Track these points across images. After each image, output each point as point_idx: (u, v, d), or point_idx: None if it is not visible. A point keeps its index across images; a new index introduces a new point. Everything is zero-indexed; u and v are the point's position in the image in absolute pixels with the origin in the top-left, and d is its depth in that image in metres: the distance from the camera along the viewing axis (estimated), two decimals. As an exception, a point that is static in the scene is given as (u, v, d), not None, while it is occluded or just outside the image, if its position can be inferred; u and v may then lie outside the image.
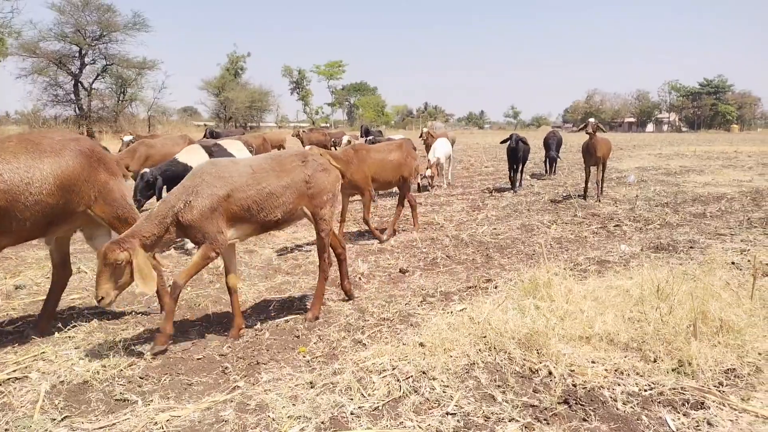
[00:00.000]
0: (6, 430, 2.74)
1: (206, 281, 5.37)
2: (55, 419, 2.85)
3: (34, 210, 3.46)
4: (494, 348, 3.57)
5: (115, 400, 3.09)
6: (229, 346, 3.85)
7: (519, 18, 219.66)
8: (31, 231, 3.56)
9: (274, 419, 2.85)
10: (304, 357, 3.67)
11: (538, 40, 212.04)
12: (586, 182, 10.32)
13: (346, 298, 4.80)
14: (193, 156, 7.01)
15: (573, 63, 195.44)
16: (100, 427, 2.80)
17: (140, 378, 3.34)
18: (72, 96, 35.63)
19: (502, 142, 11.67)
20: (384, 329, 4.11)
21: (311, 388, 3.19)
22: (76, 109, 35.31)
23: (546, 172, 14.83)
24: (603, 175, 10.36)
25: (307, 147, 7.02)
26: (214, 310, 4.60)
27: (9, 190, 3.36)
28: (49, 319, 4.03)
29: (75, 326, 4.16)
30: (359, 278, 5.44)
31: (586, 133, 9.51)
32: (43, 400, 3.01)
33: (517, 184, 11.72)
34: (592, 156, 9.69)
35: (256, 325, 4.25)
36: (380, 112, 75.55)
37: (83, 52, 35.21)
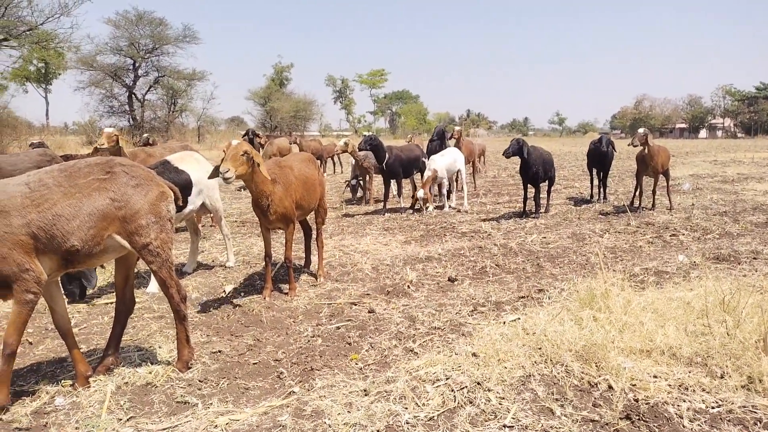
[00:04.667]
0: (76, 428, 2.86)
1: (258, 287, 5.47)
2: (121, 419, 2.95)
3: None
4: (551, 360, 3.50)
5: (177, 402, 3.17)
6: (284, 352, 3.90)
7: (565, 22, 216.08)
8: None
9: (330, 426, 2.87)
10: (356, 364, 3.69)
11: (585, 44, 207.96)
12: (635, 191, 10.00)
13: (396, 306, 4.81)
14: (188, 161, 6.60)
15: (621, 67, 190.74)
16: (163, 429, 2.88)
17: (199, 381, 3.42)
18: (126, 107, 37.08)
19: (594, 144, 10.53)
20: (435, 338, 4.09)
21: (365, 395, 3.19)
22: (130, 119, 36.72)
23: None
24: (668, 184, 9.92)
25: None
26: (268, 315, 4.68)
27: None
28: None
29: (136, 329, 4.31)
30: (408, 286, 5.43)
31: (634, 146, 9.13)
32: (110, 401, 3.13)
33: (602, 195, 10.84)
34: (647, 166, 9.34)
35: (308, 331, 4.30)
36: (422, 120, 75.53)
37: (137, 64, 36.65)
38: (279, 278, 5.77)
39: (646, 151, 9.12)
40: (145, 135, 15.65)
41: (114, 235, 3.16)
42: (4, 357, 2.97)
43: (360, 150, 10.05)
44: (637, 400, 3.03)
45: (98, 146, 7.30)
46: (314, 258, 6.15)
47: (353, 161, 11.46)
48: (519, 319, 4.26)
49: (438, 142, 11.06)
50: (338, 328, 4.37)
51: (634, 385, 3.18)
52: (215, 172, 4.46)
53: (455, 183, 10.92)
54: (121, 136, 7.23)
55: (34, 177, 3.06)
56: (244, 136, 15.14)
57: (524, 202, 9.40)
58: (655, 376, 3.26)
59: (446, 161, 9.87)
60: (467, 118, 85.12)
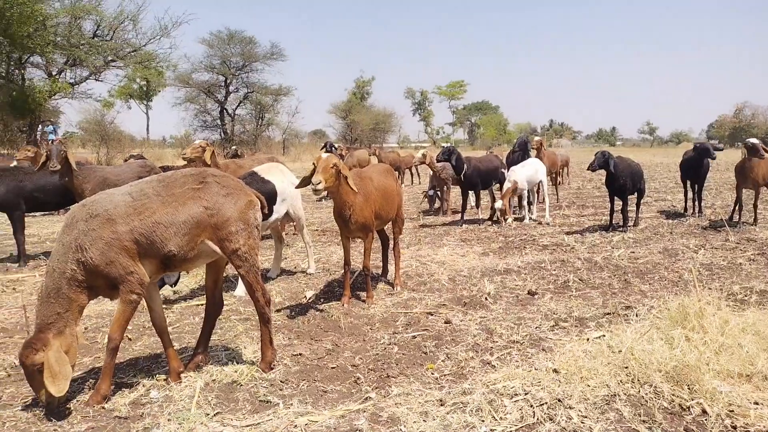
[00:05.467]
0: (169, 420, 3.05)
1: (337, 294, 5.60)
2: (208, 414, 3.12)
3: None
4: (638, 380, 3.32)
5: (260, 401, 3.31)
6: (361, 358, 3.97)
7: (655, 24, 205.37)
8: None
9: (405, 433, 2.89)
10: (432, 374, 3.68)
11: (679, 48, 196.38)
12: (735, 204, 9.29)
13: (473, 318, 4.76)
14: (273, 172, 6.87)
15: (718, 73, 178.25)
16: (247, 426, 3.01)
17: (281, 382, 3.55)
18: (218, 121, 39.31)
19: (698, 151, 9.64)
20: (513, 352, 4.00)
21: (441, 405, 3.18)
22: (221, 133, 38.85)
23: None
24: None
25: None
26: (346, 322, 4.77)
27: None
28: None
29: (223, 329, 4.54)
30: (485, 298, 5.35)
31: (760, 157, 8.29)
32: (199, 396, 3.31)
33: (696, 209, 10.19)
34: (746, 178, 8.64)
35: (384, 339, 4.34)
36: (502, 131, 74.33)
37: (228, 81, 38.78)
38: (357, 286, 5.87)
39: (751, 161, 8.42)
40: (233, 147, 16.50)
41: (206, 241, 3.37)
42: (109, 350, 3.24)
43: (438, 161, 10.05)
44: (734, 427, 2.82)
45: (182, 156, 7.76)
46: (391, 267, 6.21)
47: (431, 172, 11.49)
48: (604, 336, 4.08)
49: (520, 153, 10.84)
50: (414, 337, 4.38)
51: (732, 411, 2.95)
52: (304, 182, 4.66)
53: (536, 195, 10.65)
54: (211, 148, 7.65)
55: (136, 187, 3.33)
56: (322, 148, 15.58)
57: (611, 215, 9.00)
58: (756, 403, 3.02)
59: (527, 172, 9.65)
60: (549, 128, 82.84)
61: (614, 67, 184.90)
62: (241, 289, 5.57)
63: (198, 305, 5.33)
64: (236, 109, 40.22)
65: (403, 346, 4.20)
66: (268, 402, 3.29)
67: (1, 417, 3.13)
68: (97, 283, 3.18)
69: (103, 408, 3.20)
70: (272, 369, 3.71)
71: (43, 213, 11.16)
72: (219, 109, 39.31)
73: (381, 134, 58.41)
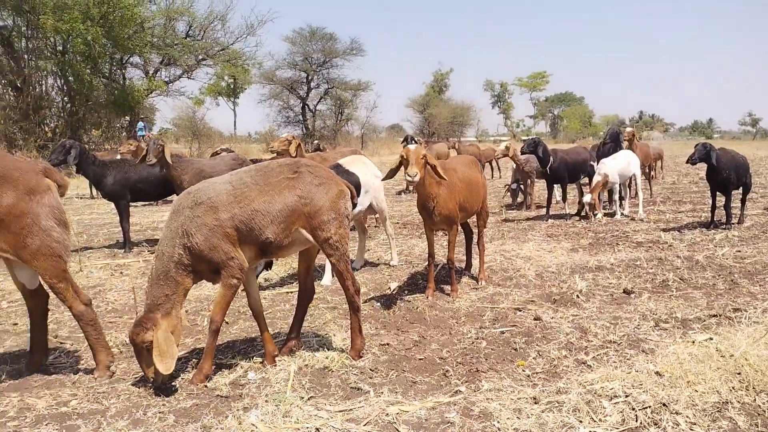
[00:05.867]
0: (266, 401, 3.16)
1: (421, 286, 5.59)
2: (303, 398, 3.20)
3: None
4: (753, 388, 3.07)
5: (350, 387, 3.36)
6: (448, 351, 3.93)
7: (755, 3, 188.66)
8: None
9: (499, 429, 2.83)
10: (523, 371, 3.58)
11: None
12: None
13: (564, 315, 4.59)
14: (357, 164, 6.92)
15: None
16: (340, 411, 3.06)
17: (371, 370, 3.59)
18: (300, 117, 40.44)
19: None
20: (611, 352, 3.82)
21: (535, 403, 3.09)
22: (303, 128, 39.96)
23: None
24: None
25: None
26: (431, 314, 4.75)
27: None
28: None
29: (313, 317, 4.66)
30: (576, 296, 5.14)
31: None
32: (293, 379, 3.41)
33: None
34: None
35: (471, 333, 4.28)
36: (587, 123, 71.30)
37: (309, 77, 39.78)
38: (440, 279, 5.83)
39: None
40: (315, 141, 16.89)
41: (300, 229, 3.45)
42: (211, 332, 3.41)
43: (522, 153, 9.78)
44: None
45: (269, 149, 8.03)
46: (475, 261, 6.12)
47: (514, 165, 11.20)
48: (712, 339, 3.80)
49: (611, 145, 10.30)
50: (502, 332, 4.29)
51: None
52: (390, 174, 4.74)
53: (628, 189, 10.10)
54: (297, 141, 7.87)
55: (236, 176, 3.47)
56: (403, 141, 15.61)
57: (712, 212, 8.37)
58: None
59: (619, 165, 9.17)
60: (639, 120, 78.48)
61: (710, 54, 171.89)
62: (327, 278, 5.70)
63: (288, 292, 5.50)
64: (317, 104, 41.20)
65: (491, 341, 4.12)
66: (359, 389, 3.33)
67: (116, 390, 3.37)
68: (200, 267, 3.35)
69: (206, 386, 3.37)
70: (361, 357, 3.76)
71: (143, 203, 11.95)
72: (301, 105, 40.43)
73: (459, 128, 57.75)
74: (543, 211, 9.96)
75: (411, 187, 14.62)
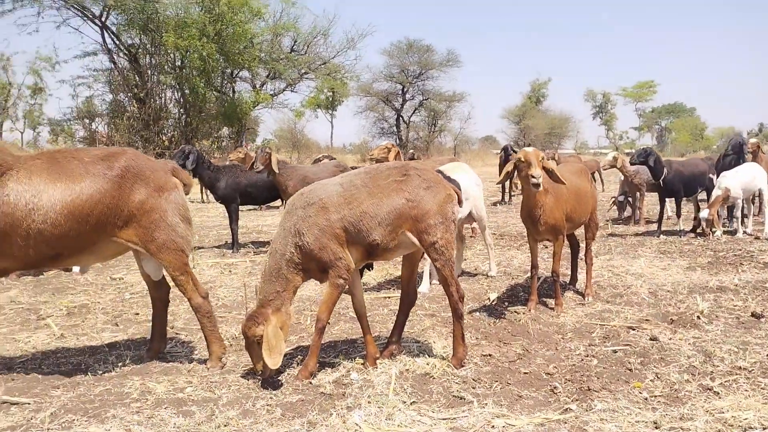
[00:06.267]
0: (369, 402, 3.16)
1: (522, 298, 5.39)
2: (405, 402, 3.17)
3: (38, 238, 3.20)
4: None
5: (453, 396, 3.28)
6: (555, 367, 3.74)
7: None
8: (36, 259, 3.33)
9: (616, 452, 2.63)
10: (640, 393, 3.33)
11: None
12: None
13: (684, 337, 4.23)
14: (458, 171, 6.74)
15: None
16: (443, 419, 3.00)
17: (473, 380, 3.49)
18: (394, 128, 41.05)
19: None
20: (741, 379, 3.45)
21: (656, 428, 2.85)
22: (397, 139, 40.49)
23: None
24: None
25: None
26: (534, 328, 4.56)
27: (11, 213, 3.12)
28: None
29: (411, 323, 4.63)
30: (697, 317, 4.72)
31: None
32: (395, 383, 3.39)
33: None
34: None
35: (579, 350, 4.05)
36: (698, 136, 66.25)
37: (405, 89, 40.33)
38: (542, 292, 5.60)
39: None
40: (411, 151, 16.99)
41: (406, 232, 3.44)
42: (317, 330, 3.48)
43: (632, 164, 9.22)
44: None
45: (369, 157, 8.16)
46: (581, 275, 5.82)
47: (621, 177, 10.60)
48: None
49: (733, 157, 9.42)
50: (615, 351, 4.02)
51: None
52: (506, 177, 4.71)
53: (752, 205, 9.21)
54: (396, 149, 7.94)
55: (346, 178, 3.53)
56: (501, 151, 15.30)
57: None
58: None
59: (743, 179, 8.36)
60: (759, 132, 71.76)
61: None
62: (425, 286, 5.66)
63: (386, 297, 5.53)
64: (411, 116, 41.62)
65: (602, 359, 3.87)
66: (461, 398, 3.25)
67: (227, 381, 3.53)
68: (310, 266, 3.44)
69: (310, 383, 3.43)
70: (463, 366, 3.67)
71: (248, 208, 12.62)
72: (395, 116, 41.04)
73: (557, 139, 55.88)
74: (653, 227, 9.31)
75: (506, 199, 14.42)
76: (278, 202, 9.61)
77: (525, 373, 3.66)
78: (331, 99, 52.94)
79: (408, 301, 3.86)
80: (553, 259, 5.04)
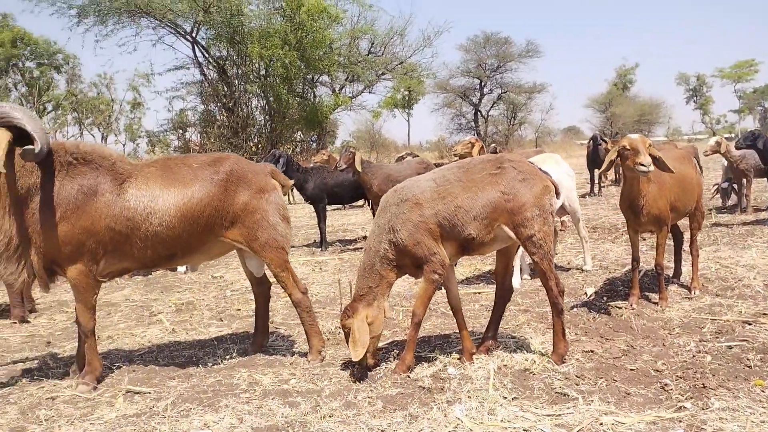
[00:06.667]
0: (469, 397, 3.15)
1: (621, 292, 5.15)
2: (506, 397, 3.12)
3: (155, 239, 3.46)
4: None
5: (555, 392, 3.19)
6: (664, 363, 3.55)
7: None
8: (152, 259, 3.58)
9: (742, 454, 2.45)
10: (762, 391, 3.08)
11: None
12: None
13: None
14: (548, 162, 6.47)
15: None
16: (547, 415, 2.93)
17: (576, 377, 3.38)
18: (472, 123, 40.51)
19: None
20: None
21: (786, 430, 2.63)
22: (475, 135, 39.95)
23: None
24: None
25: None
26: (638, 323, 4.35)
27: (132, 217, 3.38)
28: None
29: (505, 319, 4.55)
30: (819, 313, 4.29)
31: None
32: (494, 378, 3.36)
33: None
34: None
35: (690, 346, 3.81)
36: (811, 116, 60.15)
37: (483, 83, 39.67)
38: (643, 286, 5.31)
39: None
40: (492, 145, 16.71)
41: (502, 226, 3.40)
42: (413, 325, 3.51)
43: (737, 148, 8.55)
44: None
45: (453, 153, 8.09)
46: (685, 268, 5.48)
47: (725, 163, 9.85)
48: None
49: None
50: (730, 347, 3.74)
51: None
52: (609, 165, 4.53)
53: None
54: (480, 144, 7.83)
55: (439, 174, 3.54)
56: (589, 141, 14.68)
57: None
58: None
59: None
60: None
61: None
62: (516, 281, 5.54)
63: (475, 293, 5.48)
64: (489, 110, 40.88)
65: (717, 356, 3.62)
66: (565, 395, 3.16)
67: (328, 373, 3.64)
68: (404, 262, 3.47)
69: (408, 377, 3.47)
70: (564, 362, 3.57)
71: (333, 207, 12.94)
72: (473, 111, 40.48)
73: (647, 126, 52.83)
74: (763, 215, 8.58)
75: (596, 190, 13.80)
76: (361, 202, 9.80)
77: (631, 369, 3.50)
78: (407, 98, 53.23)
79: (504, 296, 3.80)
80: (657, 251, 4.77)
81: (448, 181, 3.43)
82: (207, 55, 23.73)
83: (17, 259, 3.32)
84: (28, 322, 5.24)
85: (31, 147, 3.07)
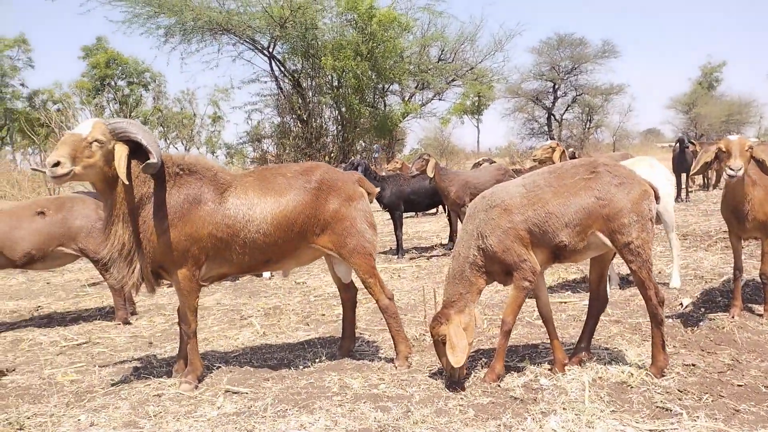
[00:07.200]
0: (564, 408, 3.07)
1: (720, 303, 4.85)
2: (603, 410, 3.02)
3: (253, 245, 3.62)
4: None
5: (656, 406, 3.06)
6: (777, 380, 3.31)
7: None
8: (249, 264, 3.74)
9: None
10: None
11: None
12: None
13: None
14: (641, 166, 6.10)
15: None
16: (650, 430, 2.81)
17: (678, 391, 3.22)
18: (545, 128, 39.50)
19: None
20: None
21: None
22: (548, 139, 38.89)
23: None
24: None
25: None
26: (742, 336, 4.08)
27: (232, 225, 3.54)
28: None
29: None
30: None
31: None
32: (589, 390, 3.25)
33: None
34: None
35: (805, 362, 3.54)
36: None
37: (556, 86, 38.62)
38: (745, 297, 4.97)
39: None
40: (571, 149, 16.21)
41: (597, 233, 3.30)
42: (503, 333, 3.47)
43: None
44: None
45: (532, 158, 7.93)
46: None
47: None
48: None
49: None
50: None
51: None
52: (702, 168, 4.30)
53: None
54: (560, 148, 7.63)
55: (529, 179, 3.49)
56: (676, 143, 13.96)
57: None
58: None
59: None
60: None
61: None
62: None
63: (561, 302, 5.33)
64: (564, 113, 39.72)
65: (837, 373, 3.34)
66: (667, 409, 3.02)
67: (416, 379, 3.66)
68: (493, 269, 3.45)
69: (498, 386, 3.43)
70: (663, 375, 3.41)
71: (407, 215, 12.99)
72: (546, 115, 39.49)
73: (735, 127, 49.49)
74: None
75: (683, 196, 13.05)
76: (433, 210, 9.77)
77: (739, 385, 3.30)
78: (477, 104, 52.69)
79: (598, 305, 3.69)
80: (762, 259, 4.47)
81: (538, 187, 3.37)
82: (283, 69, 24.58)
83: (129, 263, 3.57)
84: (130, 323, 5.61)
85: (152, 161, 3.31)
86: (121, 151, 3.30)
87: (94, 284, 7.61)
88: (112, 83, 37.39)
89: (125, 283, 3.64)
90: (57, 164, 3.20)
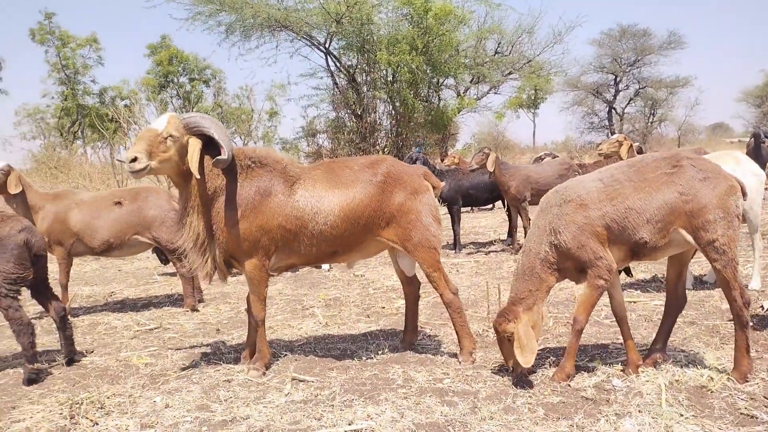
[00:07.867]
0: (639, 411, 2.96)
1: None
2: (682, 415, 2.89)
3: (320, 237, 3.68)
4: None
5: (741, 413, 2.90)
6: None
7: None
8: (316, 255, 3.81)
9: None
10: None
11: None
12: None
13: None
14: (726, 160, 5.70)
15: None
16: (737, 438, 2.66)
17: (764, 398, 3.05)
18: (605, 122, 38.20)
19: None
20: None
21: None
22: (609, 134, 37.58)
23: None
24: None
25: None
26: (834, 343, 3.81)
27: (301, 216, 3.62)
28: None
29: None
30: None
31: None
32: (666, 393, 3.12)
33: None
34: None
35: None
36: None
37: (618, 79, 37.26)
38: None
39: None
40: (636, 144, 15.62)
41: (679, 230, 3.15)
42: (574, 332, 3.37)
43: None
44: None
45: (598, 152, 7.67)
46: None
47: None
48: None
49: None
50: None
51: None
52: None
53: None
54: (628, 142, 7.36)
55: (607, 173, 3.36)
56: (750, 139, 13.18)
57: None
58: None
59: None
60: None
61: None
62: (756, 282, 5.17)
63: (630, 302, 5.14)
64: (625, 107, 38.29)
65: None
66: (753, 417, 2.86)
67: (481, 375, 3.62)
68: (566, 266, 3.35)
69: (569, 386, 3.34)
70: (747, 381, 3.22)
71: (462, 210, 12.88)
72: (607, 108, 38.18)
73: (815, 121, 46.31)
74: None
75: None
76: (489, 204, 9.61)
77: (822, 396, 3.07)
78: (533, 97, 51.52)
79: (676, 305, 3.53)
80: None
81: (617, 181, 3.25)
82: (338, 64, 24.80)
83: (202, 253, 3.69)
84: (197, 310, 5.82)
85: (222, 157, 3.41)
86: (194, 146, 3.40)
87: (163, 274, 7.93)
88: (175, 80, 38.77)
89: (198, 272, 3.76)
90: (134, 159, 3.33)
